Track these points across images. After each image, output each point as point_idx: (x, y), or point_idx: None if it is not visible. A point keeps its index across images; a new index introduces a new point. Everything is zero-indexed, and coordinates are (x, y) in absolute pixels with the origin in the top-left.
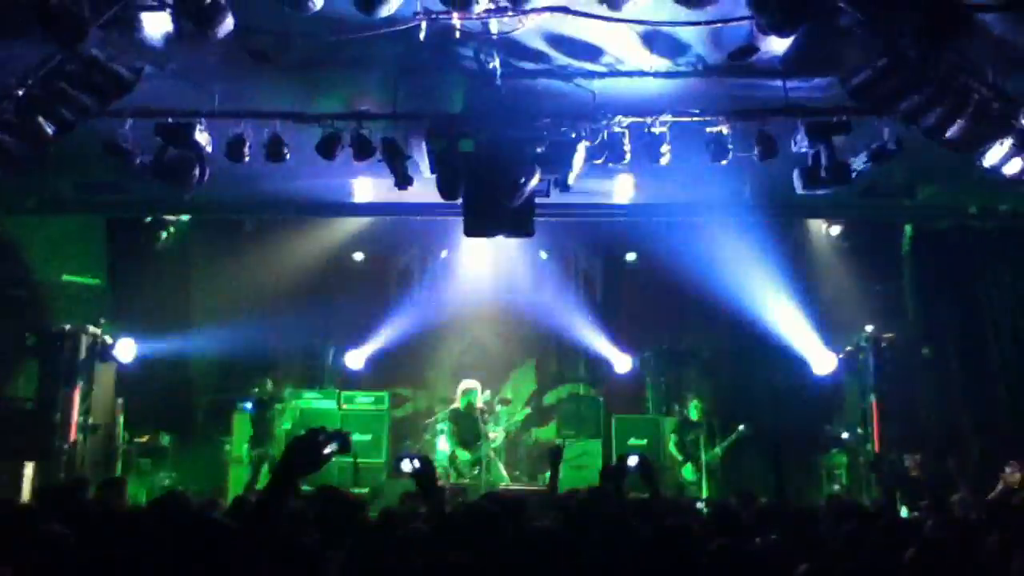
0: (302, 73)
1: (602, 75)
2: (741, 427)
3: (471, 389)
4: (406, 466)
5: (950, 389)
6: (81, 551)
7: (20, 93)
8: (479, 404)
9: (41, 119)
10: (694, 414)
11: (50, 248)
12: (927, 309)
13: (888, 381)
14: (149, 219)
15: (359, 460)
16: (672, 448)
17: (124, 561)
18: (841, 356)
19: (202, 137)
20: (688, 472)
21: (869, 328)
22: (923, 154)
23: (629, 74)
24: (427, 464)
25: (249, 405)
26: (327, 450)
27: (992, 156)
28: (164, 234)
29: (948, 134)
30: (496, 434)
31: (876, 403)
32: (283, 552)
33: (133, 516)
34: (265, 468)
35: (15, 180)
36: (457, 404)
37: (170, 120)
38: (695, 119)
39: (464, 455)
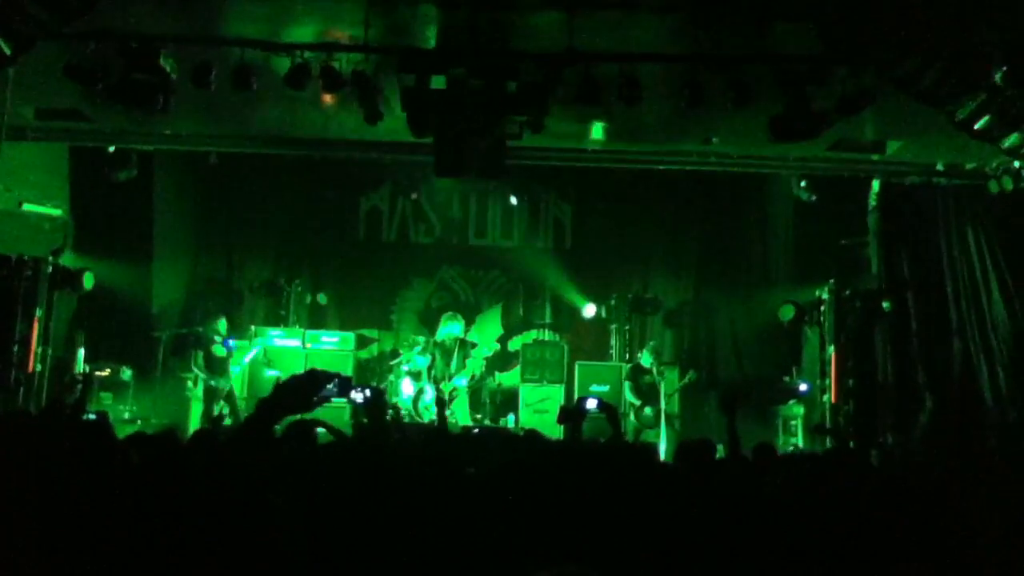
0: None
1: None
2: (691, 372)
3: (455, 322)
4: (356, 396)
5: (907, 344)
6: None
7: None
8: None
9: None
10: (646, 360)
11: (10, 176)
12: (890, 264)
13: (848, 334)
14: (113, 149)
15: None
16: (628, 394)
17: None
18: (802, 308)
19: (167, 63)
20: (647, 416)
21: (831, 281)
22: (893, 109)
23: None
24: (378, 395)
25: (224, 343)
26: (324, 391)
27: (964, 112)
28: (128, 165)
29: (921, 86)
30: (472, 368)
31: (835, 355)
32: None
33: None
34: (222, 403)
35: None
36: (437, 337)
37: (134, 44)
38: (671, 64)
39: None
